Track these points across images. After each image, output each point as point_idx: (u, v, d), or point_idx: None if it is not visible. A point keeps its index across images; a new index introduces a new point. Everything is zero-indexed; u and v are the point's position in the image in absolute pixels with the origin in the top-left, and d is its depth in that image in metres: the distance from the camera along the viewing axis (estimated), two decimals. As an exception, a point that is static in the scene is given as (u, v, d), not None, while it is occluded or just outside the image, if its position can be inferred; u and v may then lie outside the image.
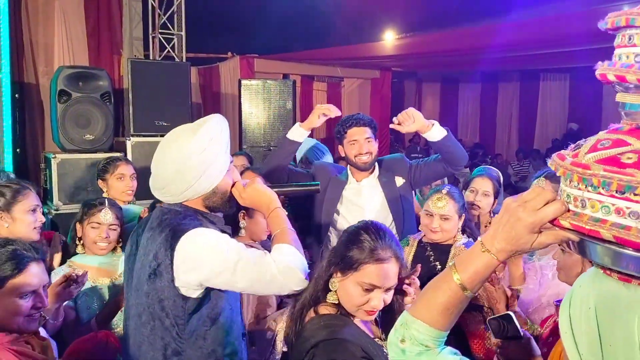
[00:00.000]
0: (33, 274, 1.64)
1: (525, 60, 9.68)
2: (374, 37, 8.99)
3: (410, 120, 2.84)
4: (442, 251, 2.60)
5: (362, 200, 3.00)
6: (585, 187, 0.95)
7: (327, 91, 10.52)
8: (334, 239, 2.99)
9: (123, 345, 1.93)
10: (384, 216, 2.96)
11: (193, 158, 1.75)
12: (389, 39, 8.96)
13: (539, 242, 1.02)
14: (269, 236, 1.99)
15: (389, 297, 1.65)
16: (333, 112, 2.95)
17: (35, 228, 2.45)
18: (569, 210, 0.99)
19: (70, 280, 2.22)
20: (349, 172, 3.09)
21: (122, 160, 3.34)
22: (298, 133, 2.97)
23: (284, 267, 1.71)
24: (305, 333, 1.60)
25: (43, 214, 2.58)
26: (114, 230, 2.61)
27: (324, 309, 1.64)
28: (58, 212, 4.31)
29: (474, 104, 14.08)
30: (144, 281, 1.78)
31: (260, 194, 1.90)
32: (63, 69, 4.56)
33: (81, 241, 2.63)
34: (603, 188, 0.92)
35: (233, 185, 1.89)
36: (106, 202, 2.66)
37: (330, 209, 3.01)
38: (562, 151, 1.06)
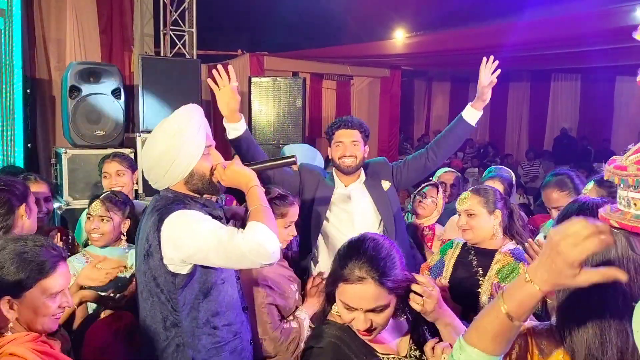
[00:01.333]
0: (61, 274, 1.62)
1: (536, 60, 9.62)
2: (384, 36, 8.97)
3: (490, 77, 2.87)
4: (486, 256, 2.50)
5: (350, 206, 2.93)
6: (628, 187, 1.01)
7: (336, 89, 10.52)
8: (322, 247, 2.93)
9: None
10: (372, 221, 2.91)
11: (161, 146, 1.94)
12: (399, 38, 8.94)
13: (585, 279, 1.01)
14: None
15: (380, 318, 1.53)
16: (223, 76, 2.51)
17: (39, 219, 2.46)
18: (618, 211, 1.03)
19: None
20: (334, 175, 3.00)
21: (109, 158, 3.35)
22: (231, 129, 2.63)
23: (253, 245, 1.80)
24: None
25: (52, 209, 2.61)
26: (106, 222, 2.62)
27: (331, 317, 1.67)
28: (68, 207, 4.35)
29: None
30: (141, 261, 1.97)
31: (238, 175, 1.99)
32: (74, 65, 4.60)
33: None
34: (638, 187, 0.98)
35: (214, 168, 2.00)
36: (103, 195, 2.70)
37: (319, 213, 2.92)
38: (616, 156, 1.10)
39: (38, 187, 2.70)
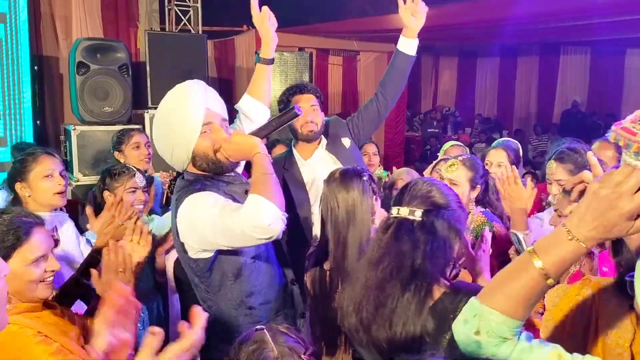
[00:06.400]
0: (39, 240, 1.61)
1: (546, 33, 9.49)
2: (391, 9, 8.85)
3: (414, 9, 2.62)
4: None
5: (320, 175, 2.66)
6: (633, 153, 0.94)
7: (342, 65, 10.43)
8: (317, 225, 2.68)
9: None
10: None
11: (160, 130, 1.90)
12: (407, 12, 8.82)
13: (637, 227, 0.96)
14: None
15: None
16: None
17: (56, 194, 2.41)
18: None
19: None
20: (295, 153, 2.85)
21: (135, 130, 3.43)
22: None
23: (245, 219, 1.66)
24: None
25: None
26: (147, 192, 2.69)
27: None
28: (78, 183, 4.40)
29: (492, 78, 13.86)
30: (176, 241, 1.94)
31: (241, 145, 1.86)
32: (81, 41, 4.60)
33: None
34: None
35: (218, 146, 1.88)
36: (132, 167, 2.72)
37: (302, 204, 2.72)
38: (624, 120, 1.05)
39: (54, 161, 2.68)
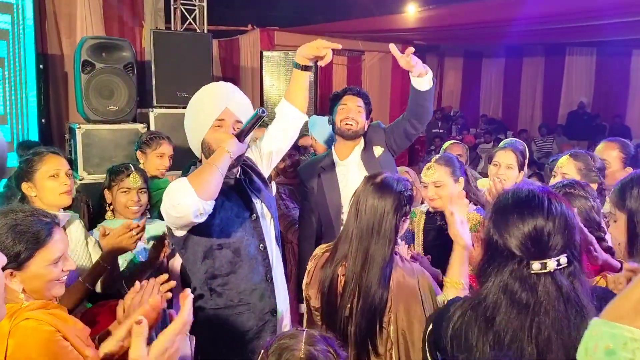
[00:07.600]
0: (58, 240, 1.64)
1: (551, 34, 9.46)
2: (396, 9, 8.85)
3: (411, 62, 2.55)
4: None
5: (351, 180, 2.86)
6: None
7: (347, 65, 10.42)
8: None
9: None
10: None
11: (188, 111, 2.19)
12: (411, 11, 8.81)
13: None
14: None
15: None
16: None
17: (62, 193, 2.39)
18: None
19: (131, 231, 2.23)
20: (333, 152, 3.00)
21: (164, 139, 3.40)
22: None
23: (165, 199, 1.90)
24: None
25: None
26: (144, 193, 2.68)
27: None
28: (83, 181, 4.40)
29: (497, 79, 13.83)
30: None
31: (216, 140, 2.06)
32: (87, 40, 4.59)
33: (110, 207, 2.70)
34: None
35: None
36: (132, 167, 2.72)
37: (333, 200, 2.88)
38: None
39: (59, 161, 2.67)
